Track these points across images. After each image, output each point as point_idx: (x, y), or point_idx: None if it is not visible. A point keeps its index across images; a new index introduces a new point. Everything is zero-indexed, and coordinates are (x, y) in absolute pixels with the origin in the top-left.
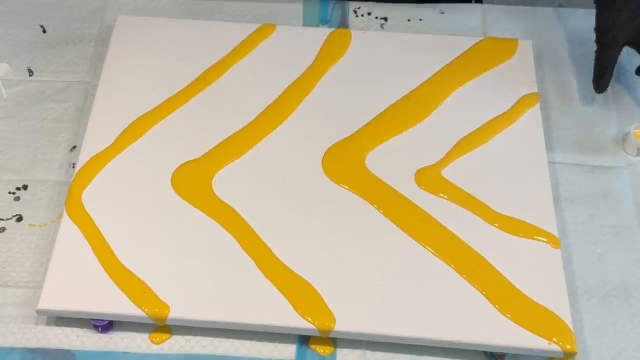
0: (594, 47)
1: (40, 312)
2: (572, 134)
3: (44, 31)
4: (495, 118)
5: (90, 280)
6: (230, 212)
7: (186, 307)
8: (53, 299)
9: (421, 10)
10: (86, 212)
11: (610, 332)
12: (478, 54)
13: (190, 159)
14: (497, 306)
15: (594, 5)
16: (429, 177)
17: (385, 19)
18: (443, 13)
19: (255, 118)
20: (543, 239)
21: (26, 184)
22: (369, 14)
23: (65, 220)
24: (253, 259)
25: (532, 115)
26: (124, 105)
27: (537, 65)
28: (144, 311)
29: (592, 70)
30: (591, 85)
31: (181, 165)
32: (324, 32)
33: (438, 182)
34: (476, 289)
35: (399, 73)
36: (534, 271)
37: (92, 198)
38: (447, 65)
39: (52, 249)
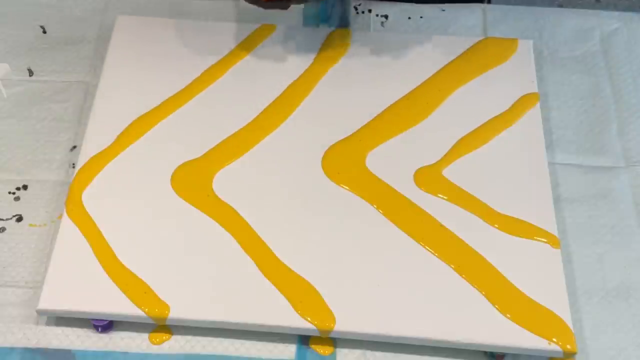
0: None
1: (40, 312)
2: (572, 134)
3: (44, 31)
4: (495, 118)
5: (90, 280)
6: (230, 212)
7: (186, 307)
8: (53, 299)
9: (422, 8)
10: (86, 212)
11: (610, 332)
12: (478, 54)
13: (190, 159)
14: (497, 306)
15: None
16: (429, 177)
17: (386, 16)
18: (444, 11)
19: (255, 118)
20: (543, 239)
21: (26, 184)
22: (370, 11)
23: (65, 220)
24: (253, 259)
25: (532, 115)
26: (124, 105)
27: (537, 65)
28: (144, 311)
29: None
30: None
31: (181, 165)
32: (324, 32)
33: (438, 182)
34: (476, 289)
35: (399, 73)
36: (534, 271)
37: (92, 198)
38: (447, 65)
39: (52, 249)
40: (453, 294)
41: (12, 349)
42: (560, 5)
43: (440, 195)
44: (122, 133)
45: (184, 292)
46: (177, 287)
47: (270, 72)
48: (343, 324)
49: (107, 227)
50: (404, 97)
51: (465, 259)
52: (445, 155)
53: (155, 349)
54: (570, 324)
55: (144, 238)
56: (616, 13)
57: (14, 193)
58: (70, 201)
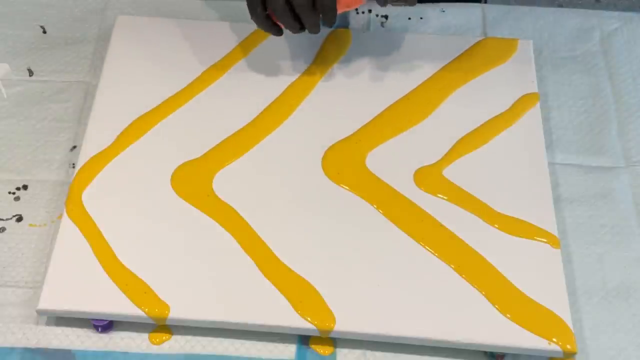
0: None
1: (40, 312)
2: (572, 134)
3: (44, 31)
4: (495, 118)
5: (90, 280)
6: (230, 212)
7: (186, 307)
8: (53, 299)
9: (422, 8)
10: (86, 212)
11: (610, 332)
12: (478, 54)
13: (190, 159)
14: (497, 306)
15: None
16: (429, 177)
17: (386, 17)
18: (444, 12)
19: (255, 118)
20: (543, 239)
21: (26, 184)
22: (370, 11)
23: (65, 220)
24: (253, 259)
25: (532, 115)
26: (124, 105)
27: (537, 65)
28: (144, 311)
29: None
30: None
31: (181, 165)
32: (323, 32)
33: (438, 182)
34: (476, 289)
35: (399, 73)
36: (534, 271)
37: (92, 198)
38: (447, 65)
39: (52, 249)
40: (453, 294)
41: (12, 349)
42: (560, 5)
43: (440, 195)
44: (122, 133)
45: (184, 292)
46: (177, 287)
47: (271, 72)
48: (343, 324)
49: (107, 227)
50: (404, 97)
51: (465, 259)
52: (445, 155)
53: (155, 349)
54: (570, 324)
55: (144, 238)
56: (616, 13)
57: (14, 193)
58: (70, 201)
